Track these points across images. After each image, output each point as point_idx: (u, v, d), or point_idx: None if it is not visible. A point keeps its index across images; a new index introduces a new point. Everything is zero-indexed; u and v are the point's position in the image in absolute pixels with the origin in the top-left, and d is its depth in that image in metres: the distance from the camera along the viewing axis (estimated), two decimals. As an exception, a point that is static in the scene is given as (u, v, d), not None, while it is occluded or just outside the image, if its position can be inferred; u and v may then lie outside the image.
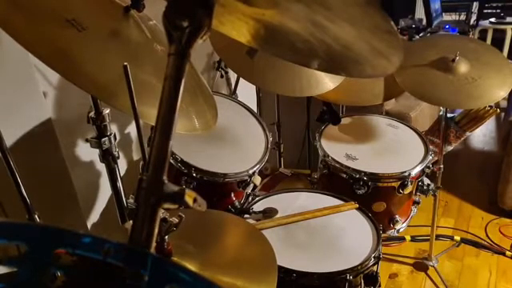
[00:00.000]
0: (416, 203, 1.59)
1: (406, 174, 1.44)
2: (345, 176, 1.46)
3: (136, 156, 1.70)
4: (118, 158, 1.11)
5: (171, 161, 1.23)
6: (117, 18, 0.88)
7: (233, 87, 2.10)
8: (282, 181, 2.32)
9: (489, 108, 1.81)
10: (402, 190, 1.46)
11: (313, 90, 1.52)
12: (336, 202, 1.31)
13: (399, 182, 1.45)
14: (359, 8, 0.53)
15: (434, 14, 3.02)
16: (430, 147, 1.58)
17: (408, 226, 1.61)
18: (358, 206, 1.27)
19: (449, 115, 1.89)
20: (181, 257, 0.80)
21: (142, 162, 1.20)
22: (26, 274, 0.34)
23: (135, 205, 0.46)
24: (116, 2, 0.90)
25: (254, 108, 2.00)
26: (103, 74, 0.78)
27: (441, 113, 1.87)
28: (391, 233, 1.54)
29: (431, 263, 1.89)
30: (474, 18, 3.68)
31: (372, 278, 1.08)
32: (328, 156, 1.51)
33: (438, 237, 1.98)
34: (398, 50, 0.57)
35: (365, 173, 1.43)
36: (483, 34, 3.65)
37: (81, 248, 0.34)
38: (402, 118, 2.00)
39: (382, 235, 1.17)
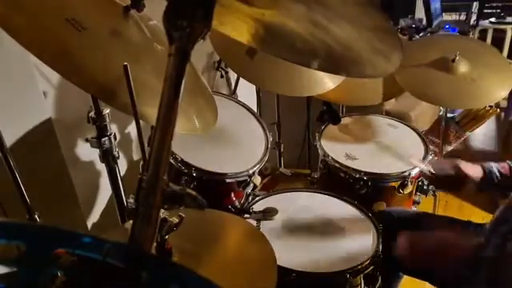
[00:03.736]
0: (416, 203, 1.59)
1: (406, 173, 1.44)
2: (345, 176, 1.46)
3: (136, 156, 1.70)
4: (118, 157, 1.11)
5: (171, 161, 1.23)
6: (117, 17, 0.88)
7: (233, 87, 2.10)
8: (281, 181, 2.32)
9: (489, 108, 1.81)
10: (402, 189, 1.46)
11: (313, 90, 1.52)
12: (336, 201, 1.31)
13: (399, 182, 1.45)
14: (359, 8, 0.53)
15: (434, 14, 3.02)
16: (430, 147, 1.58)
17: (408, 225, 1.60)
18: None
19: (449, 115, 1.89)
20: (181, 257, 0.80)
21: (142, 162, 1.20)
22: (26, 273, 0.34)
23: (135, 205, 0.46)
24: (116, 1, 0.90)
25: (254, 108, 1.99)
26: (103, 73, 0.78)
27: (441, 113, 1.87)
28: (391, 233, 1.54)
29: (431, 263, 1.89)
30: (474, 17, 3.68)
31: (372, 278, 1.08)
32: (328, 156, 1.51)
33: (438, 237, 1.98)
34: (398, 50, 0.57)
35: (365, 173, 1.43)
36: (483, 34, 3.65)
37: (81, 248, 0.34)
38: (402, 117, 1.99)
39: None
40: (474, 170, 1.17)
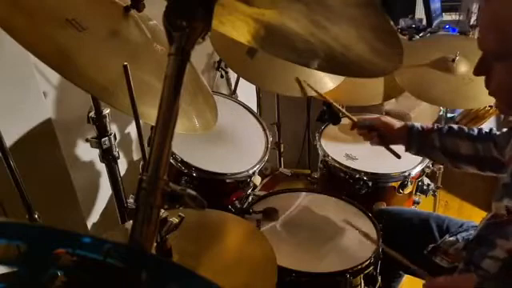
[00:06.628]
0: (416, 203, 1.59)
1: (406, 173, 1.44)
2: (345, 176, 1.46)
3: (136, 156, 1.70)
4: (118, 158, 1.11)
5: (171, 161, 1.23)
6: (117, 17, 0.88)
7: (233, 87, 2.09)
8: (281, 181, 2.31)
9: (489, 108, 1.81)
10: (402, 189, 1.46)
11: (313, 90, 1.52)
12: (336, 202, 1.31)
13: (399, 182, 1.45)
14: (359, 8, 0.53)
15: (434, 14, 3.01)
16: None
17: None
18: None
19: (449, 115, 1.89)
20: (181, 257, 0.80)
21: (142, 162, 1.20)
22: (26, 274, 0.34)
23: (135, 205, 0.46)
24: (116, 1, 0.90)
25: (254, 108, 1.99)
26: (103, 73, 0.78)
27: (441, 113, 1.88)
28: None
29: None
30: (473, 17, 3.67)
31: (372, 278, 1.08)
32: (328, 156, 1.51)
33: (438, 237, 1.98)
34: (398, 50, 0.57)
35: (365, 173, 1.43)
36: (483, 34, 3.63)
37: (81, 248, 0.34)
38: (402, 117, 1.99)
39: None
40: (395, 121, 1.28)
